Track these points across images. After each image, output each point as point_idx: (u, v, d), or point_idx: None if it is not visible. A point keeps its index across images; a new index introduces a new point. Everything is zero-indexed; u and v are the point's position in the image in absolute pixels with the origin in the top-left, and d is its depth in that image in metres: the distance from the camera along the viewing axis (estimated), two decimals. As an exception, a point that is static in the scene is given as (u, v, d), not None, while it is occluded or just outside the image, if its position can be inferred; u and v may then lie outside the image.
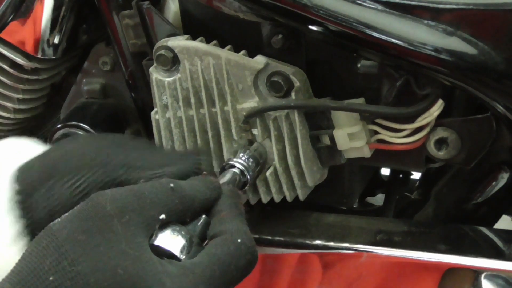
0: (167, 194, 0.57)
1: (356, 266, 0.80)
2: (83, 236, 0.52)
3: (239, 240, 0.57)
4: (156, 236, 0.56)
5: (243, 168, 0.74)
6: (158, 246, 0.55)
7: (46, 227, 0.54)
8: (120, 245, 0.52)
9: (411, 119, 0.74)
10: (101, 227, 0.53)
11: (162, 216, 0.55)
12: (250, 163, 0.75)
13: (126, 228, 0.53)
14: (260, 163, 0.78)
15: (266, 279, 0.83)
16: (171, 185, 0.57)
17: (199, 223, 0.60)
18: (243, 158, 0.75)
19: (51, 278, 0.50)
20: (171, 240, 0.56)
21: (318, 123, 0.78)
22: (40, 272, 0.51)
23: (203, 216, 0.60)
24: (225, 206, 0.61)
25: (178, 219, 0.57)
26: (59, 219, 0.54)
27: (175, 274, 0.53)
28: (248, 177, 0.74)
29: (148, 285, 0.52)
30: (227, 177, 0.73)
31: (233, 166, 0.74)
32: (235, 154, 0.77)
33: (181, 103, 0.81)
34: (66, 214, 0.54)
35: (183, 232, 0.57)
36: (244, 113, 0.78)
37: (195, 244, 0.57)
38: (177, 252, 0.56)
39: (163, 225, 0.56)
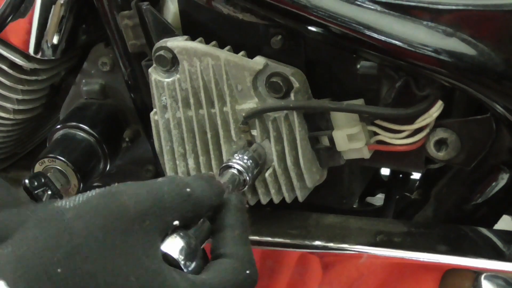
0: (183, 200, 0.55)
1: (357, 267, 0.80)
2: (100, 233, 0.49)
3: (247, 272, 0.56)
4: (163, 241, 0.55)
5: (242, 169, 0.74)
6: (161, 250, 0.55)
7: (53, 208, 0.50)
8: (137, 252, 0.50)
9: (410, 120, 0.74)
10: (122, 229, 0.50)
11: (176, 223, 0.54)
12: (249, 164, 0.75)
13: (145, 234, 0.51)
14: (259, 164, 0.78)
15: (265, 279, 0.83)
16: (188, 190, 0.56)
17: (201, 228, 0.59)
18: (242, 159, 0.75)
19: (59, 270, 0.47)
20: (173, 244, 0.55)
21: (317, 124, 0.78)
22: (48, 262, 0.47)
23: (206, 221, 0.60)
24: (234, 221, 0.60)
25: (186, 224, 0.56)
26: (70, 203, 0.51)
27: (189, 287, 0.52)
28: (247, 178, 0.74)
29: None
30: (226, 178, 0.73)
31: (232, 167, 0.74)
32: (233, 155, 0.77)
33: (180, 104, 0.81)
34: (79, 200, 0.51)
35: (185, 237, 0.56)
36: (243, 114, 0.78)
37: (196, 249, 0.57)
38: (176, 255, 0.56)
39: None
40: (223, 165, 0.74)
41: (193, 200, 0.56)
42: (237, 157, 0.75)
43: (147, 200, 0.53)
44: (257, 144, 0.79)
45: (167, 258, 0.54)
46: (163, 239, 0.54)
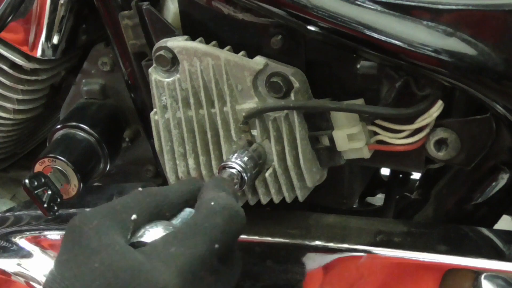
0: (135, 197, 0.59)
1: (357, 267, 0.80)
2: (65, 255, 0.55)
3: (212, 203, 0.59)
4: (137, 234, 0.58)
5: (241, 168, 0.74)
6: (138, 242, 0.58)
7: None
8: (92, 245, 0.55)
9: (410, 120, 0.74)
10: (74, 239, 0.56)
11: (134, 217, 0.57)
12: (248, 164, 0.75)
13: (96, 231, 0.56)
14: (259, 163, 0.78)
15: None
16: (139, 188, 0.60)
17: (181, 214, 0.61)
18: (241, 159, 0.75)
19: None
20: (148, 234, 0.58)
21: (317, 124, 0.78)
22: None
23: (187, 209, 0.61)
24: (206, 189, 0.63)
25: (155, 216, 0.59)
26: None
27: (149, 251, 0.55)
28: (246, 178, 0.74)
29: (126, 265, 0.53)
30: (224, 177, 0.73)
31: (231, 167, 0.74)
32: (232, 154, 0.77)
33: (180, 104, 0.81)
34: None
35: (161, 225, 0.59)
36: (244, 114, 0.78)
37: None
38: (148, 240, 0.58)
39: (145, 224, 0.58)
40: (222, 164, 0.74)
41: (147, 192, 0.60)
42: (236, 157, 0.75)
43: (95, 210, 0.59)
44: (257, 144, 0.79)
45: (143, 245, 0.58)
46: (132, 232, 0.58)
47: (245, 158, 0.75)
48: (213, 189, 0.63)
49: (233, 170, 0.73)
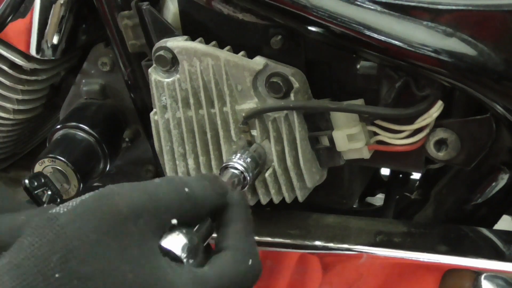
0: (181, 199, 0.55)
1: (357, 267, 0.80)
2: (94, 235, 0.49)
3: (249, 262, 0.56)
4: (163, 237, 0.55)
5: (243, 168, 0.74)
6: (162, 247, 0.55)
7: (46, 215, 0.50)
8: (132, 251, 0.50)
9: (410, 120, 0.74)
10: (116, 230, 0.50)
11: (174, 221, 0.54)
12: (249, 164, 0.75)
13: (140, 232, 0.51)
14: (259, 163, 0.77)
15: (265, 280, 0.83)
16: (186, 189, 0.56)
17: (204, 226, 0.59)
18: (243, 159, 0.75)
19: (56, 276, 0.47)
20: (175, 241, 0.55)
21: (317, 124, 0.78)
22: (45, 268, 0.47)
23: (208, 219, 0.60)
24: (237, 216, 0.60)
25: (187, 223, 0.56)
26: (63, 209, 0.51)
27: (186, 281, 0.52)
28: (248, 177, 0.74)
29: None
30: (226, 177, 0.73)
31: (233, 167, 0.74)
32: (234, 155, 0.77)
33: (180, 104, 0.81)
34: (73, 204, 0.51)
35: (188, 235, 0.56)
36: (243, 114, 0.78)
37: (198, 246, 0.57)
38: (178, 252, 0.56)
39: (171, 228, 0.55)
40: (224, 165, 0.74)
41: (192, 199, 0.56)
42: (237, 157, 0.75)
43: (140, 199, 0.53)
44: (257, 144, 0.79)
45: (169, 255, 0.54)
46: (161, 237, 0.54)
47: (247, 159, 0.75)
48: (243, 215, 0.60)
49: (236, 171, 0.73)
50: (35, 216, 0.53)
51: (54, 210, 0.51)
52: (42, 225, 0.49)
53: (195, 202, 0.56)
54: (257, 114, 0.77)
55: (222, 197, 0.59)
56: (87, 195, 0.52)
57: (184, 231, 0.56)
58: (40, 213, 0.53)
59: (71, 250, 0.48)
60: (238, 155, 0.76)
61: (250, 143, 0.79)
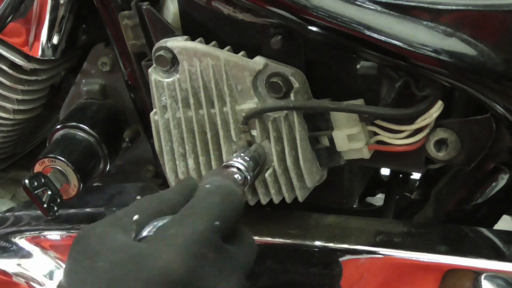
0: (135, 203, 0.61)
1: (357, 267, 0.80)
2: (70, 265, 0.56)
3: (207, 186, 0.61)
4: (143, 232, 0.59)
5: (243, 168, 0.74)
6: (144, 237, 0.58)
7: None
8: (95, 248, 0.56)
9: (410, 120, 0.74)
10: (78, 248, 0.57)
11: (136, 217, 0.58)
12: (250, 163, 0.75)
13: (99, 236, 0.57)
14: (259, 163, 0.78)
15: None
16: (138, 197, 0.63)
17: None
18: (243, 158, 0.75)
19: None
20: (148, 229, 0.59)
21: (317, 124, 0.78)
22: None
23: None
24: (203, 179, 0.64)
25: (157, 215, 0.59)
26: None
27: (150, 238, 0.57)
28: (248, 177, 0.74)
29: (128, 256, 0.54)
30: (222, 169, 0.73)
31: (233, 166, 0.74)
32: (234, 154, 0.77)
33: (180, 104, 0.81)
34: None
35: (167, 219, 0.59)
36: (243, 114, 0.78)
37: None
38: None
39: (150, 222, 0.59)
40: (224, 164, 0.74)
41: (145, 198, 0.62)
42: (238, 157, 0.75)
43: (100, 221, 0.60)
44: (257, 144, 0.79)
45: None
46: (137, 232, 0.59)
47: (247, 158, 0.75)
48: (210, 177, 0.64)
49: (236, 170, 0.73)
50: None
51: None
52: None
53: (148, 198, 0.61)
54: (257, 114, 0.77)
55: (188, 182, 0.64)
56: None
57: (166, 218, 0.59)
58: None
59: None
60: (238, 154, 0.76)
61: (250, 143, 0.79)
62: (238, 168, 0.73)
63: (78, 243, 0.57)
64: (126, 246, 0.55)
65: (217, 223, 0.57)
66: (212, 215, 0.57)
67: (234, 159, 0.74)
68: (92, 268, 0.54)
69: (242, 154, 0.76)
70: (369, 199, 1.15)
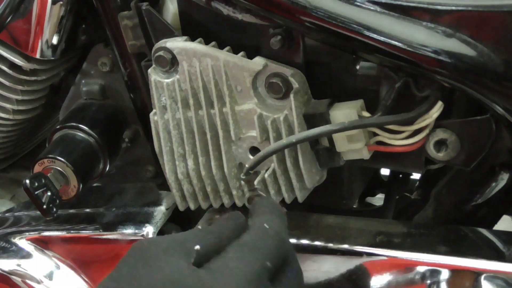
0: (195, 232, 0.61)
1: (358, 267, 0.79)
2: (125, 269, 0.56)
3: (266, 226, 0.62)
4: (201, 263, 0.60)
5: None
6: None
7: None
8: (158, 263, 0.56)
9: (410, 121, 0.74)
10: (139, 256, 0.57)
11: (197, 247, 0.58)
12: None
13: (164, 251, 0.57)
14: None
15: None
16: (199, 227, 0.64)
17: None
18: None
19: None
20: None
21: (316, 125, 0.77)
22: None
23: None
24: (260, 207, 0.66)
25: (216, 249, 0.60)
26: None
27: (211, 267, 0.57)
28: None
29: (189, 281, 0.55)
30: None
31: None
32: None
33: (179, 105, 0.81)
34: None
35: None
36: (247, 165, 0.77)
37: None
38: None
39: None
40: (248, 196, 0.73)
41: (206, 230, 0.62)
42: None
43: (162, 237, 0.60)
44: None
45: None
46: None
47: None
48: (267, 212, 0.65)
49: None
50: None
51: None
52: None
53: (209, 232, 0.61)
54: (261, 161, 0.76)
55: (239, 219, 0.64)
56: None
57: None
58: None
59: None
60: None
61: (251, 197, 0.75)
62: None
63: (140, 250, 0.58)
64: (188, 269, 0.56)
65: (269, 264, 0.59)
66: (266, 256, 0.59)
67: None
68: (149, 279, 0.55)
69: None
70: (369, 199, 1.14)
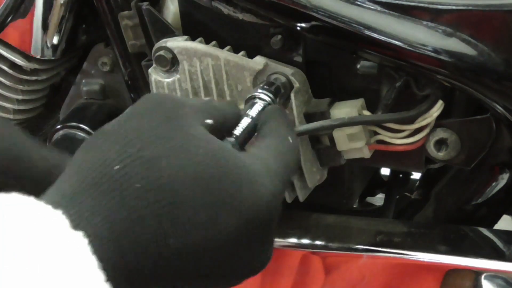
0: (205, 103, 0.55)
1: (359, 268, 0.80)
2: (146, 124, 0.47)
3: (290, 140, 0.56)
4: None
5: (269, 99, 0.69)
6: None
7: (100, 129, 0.48)
8: (189, 130, 0.48)
9: (410, 120, 0.74)
10: (166, 116, 0.48)
11: (210, 121, 0.52)
12: (275, 92, 0.71)
13: (187, 118, 0.49)
14: (282, 92, 0.74)
15: (268, 280, 0.83)
16: (207, 98, 0.57)
17: (241, 124, 0.59)
18: (267, 89, 0.71)
19: (116, 167, 0.44)
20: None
21: (317, 124, 0.78)
22: (103, 164, 0.44)
23: (244, 119, 0.60)
24: (273, 116, 0.61)
25: (222, 126, 0.55)
26: (115, 119, 0.48)
27: (250, 156, 0.51)
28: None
29: (231, 160, 0.47)
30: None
31: (259, 98, 0.69)
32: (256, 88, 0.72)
33: (180, 104, 0.81)
34: (122, 114, 0.49)
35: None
36: None
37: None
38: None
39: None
40: (249, 96, 0.70)
41: (214, 105, 0.56)
42: (261, 89, 0.71)
43: (178, 98, 0.53)
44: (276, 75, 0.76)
45: None
46: None
47: (270, 89, 0.71)
48: (284, 121, 0.60)
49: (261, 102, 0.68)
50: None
51: (103, 127, 0.48)
52: (94, 139, 0.47)
53: (217, 109, 0.55)
54: None
55: (234, 108, 0.60)
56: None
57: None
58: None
59: (126, 143, 0.45)
60: (260, 87, 0.72)
61: None
62: (264, 100, 0.69)
63: (162, 104, 0.49)
64: (231, 152, 0.48)
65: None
66: (293, 163, 0.55)
67: (260, 91, 0.70)
68: (192, 154, 0.46)
69: (264, 86, 0.72)
70: (369, 199, 1.14)
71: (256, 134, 0.60)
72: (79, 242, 0.40)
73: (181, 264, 0.44)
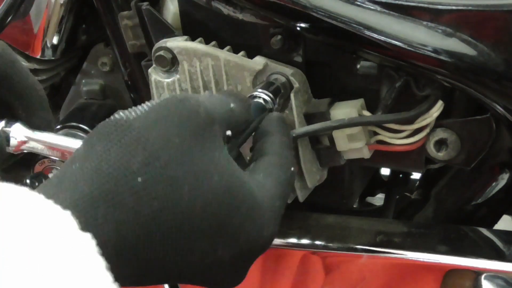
0: (229, 114, 0.55)
1: (359, 268, 0.80)
2: (176, 138, 0.46)
3: (292, 169, 0.58)
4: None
5: (269, 99, 0.70)
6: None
7: (117, 119, 0.46)
8: (214, 154, 0.48)
9: (410, 120, 0.74)
10: (197, 133, 0.48)
11: (229, 133, 0.54)
12: (274, 93, 0.71)
13: (215, 138, 0.49)
14: (282, 92, 0.74)
15: (267, 280, 0.83)
16: (232, 105, 0.56)
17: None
18: (266, 89, 0.71)
19: (139, 180, 0.43)
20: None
21: (317, 124, 0.78)
22: (126, 172, 0.43)
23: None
24: (275, 129, 0.61)
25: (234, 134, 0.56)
26: (135, 113, 0.47)
27: (257, 187, 0.52)
28: (276, 106, 0.71)
29: (241, 193, 0.49)
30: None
31: (258, 97, 0.70)
32: (256, 88, 0.72)
33: (180, 104, 0.80)
34: (142, 110, 0.47)
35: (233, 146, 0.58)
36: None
37: (238, 156, 0.59)
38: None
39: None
40: (249, 95, 0.70)
41: (236, 115, 0.56)
42: (260, 89, 0.71)
43: (212, 106, 0.52)
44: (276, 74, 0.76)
45: None
46: None
47: (271, 88, 0.72)
48: (285, 132, 0.61)
49: (261, 100, 0.70)
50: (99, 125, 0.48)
51: (118, 117, 0.46)
52: (111, 130, 0.45)
53: (237, 119, 0.56)
54: None
55: (247, 104, 0.60)
56: (152, 101, 0.49)
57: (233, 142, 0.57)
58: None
59: (153, 153, 0.44)
60: (260, 87, 0.72)
61: None
62: (264, 99, 0.70)
63: (195, 119, 0.48)
64: (243, 180, 0.50)
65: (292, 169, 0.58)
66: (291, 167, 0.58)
67: (259, 90, 0.70)
68: (207, 178, 0.46)
69: (263, 86, 0.72)
70: (369, 199, 1.15)
71: (254, 134, 0.61)
72: (87, 243, 0.40)
73: (179, 280, 0.49)
